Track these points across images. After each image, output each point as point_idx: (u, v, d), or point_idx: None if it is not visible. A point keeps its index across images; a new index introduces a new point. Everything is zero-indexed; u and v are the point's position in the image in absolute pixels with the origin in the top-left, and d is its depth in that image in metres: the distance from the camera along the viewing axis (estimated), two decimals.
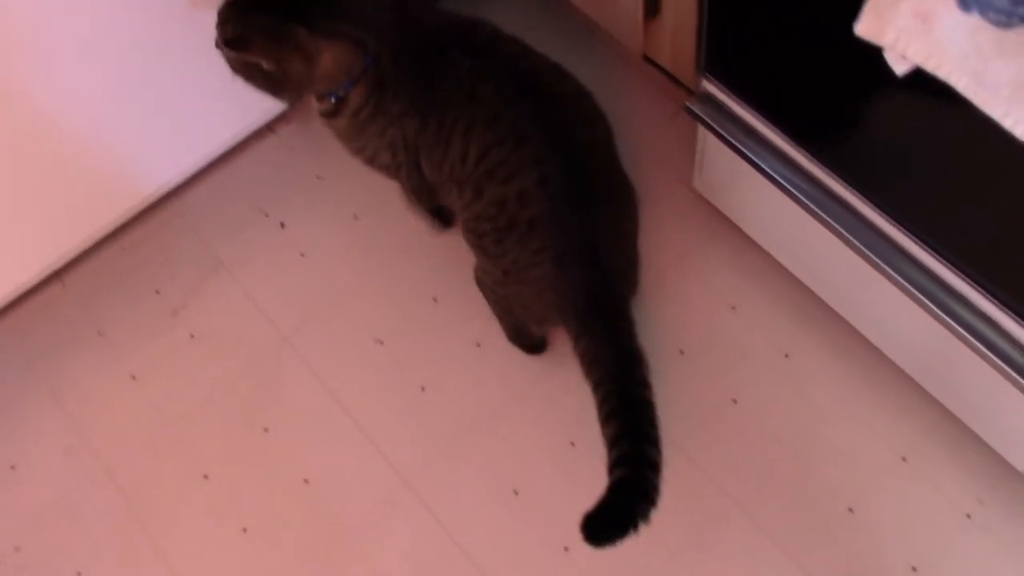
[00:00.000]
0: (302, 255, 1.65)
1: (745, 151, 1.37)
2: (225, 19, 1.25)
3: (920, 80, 0.94)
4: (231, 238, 1.67)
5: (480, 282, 1.47)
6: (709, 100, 1.39)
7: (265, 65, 1.24)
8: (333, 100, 1.32)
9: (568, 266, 1.29)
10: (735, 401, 1.47)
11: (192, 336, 1.60)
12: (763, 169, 1.36)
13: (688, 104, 1.40)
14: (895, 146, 1.16)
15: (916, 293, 1.25)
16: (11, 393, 1.58)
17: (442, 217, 1.61)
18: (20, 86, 1.36)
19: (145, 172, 1.62)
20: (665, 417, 1.45)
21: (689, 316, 1.54)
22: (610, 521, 1.15)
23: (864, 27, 0.92)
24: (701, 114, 1.40)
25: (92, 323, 1.62)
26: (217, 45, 1.24)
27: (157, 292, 1.64)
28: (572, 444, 1.46)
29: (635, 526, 1.14)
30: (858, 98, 1.15)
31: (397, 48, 1.29)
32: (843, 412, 1.45)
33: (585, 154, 1.30)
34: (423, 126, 1.32)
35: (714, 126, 1.39)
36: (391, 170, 1.42)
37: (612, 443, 1.22)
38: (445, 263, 1.58)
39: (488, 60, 1.29)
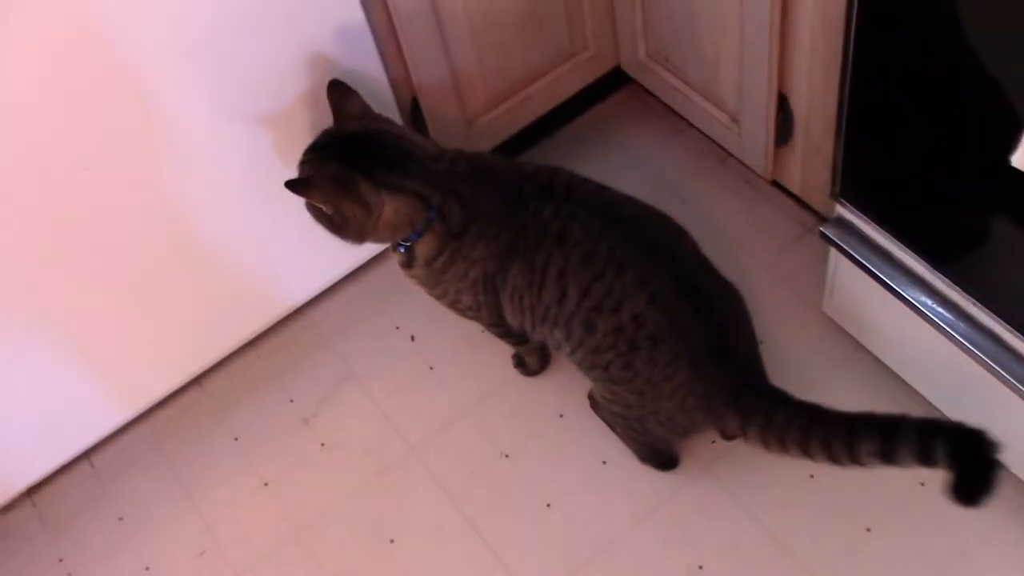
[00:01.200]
0: (431, 368, 1.68)
1: (880, 275, 1.37)
2: (302, 161, 1.36)
3: None
4: (362, 350, 1.72)
5: (603, 408, 1.49)
6: (843, 224, 1.41)
7: (325, 209, 1.33)
8: (402, 251, 1.40)
9: (704, 366, 1.30)
10: (869, 530, 1.44)
11: (323, 445, 1.64)
12: (899, 293, 1.36)
13: (822, 228, 1.42)
14: None
15: None
16: (149, 494, 1.63)
17: (523, 366, 1.65)
18: (178, 206, 1.45)
19: (284, 286, 1.69)
20: (800, 546, 1.43)
21: None
22: (972, 480, 1.17)
23: (1021, 159, 0.93)
24: (835, 238, 1.41)
25: (228, 428, 1.68)
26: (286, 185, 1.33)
27: (291, 401, 1.69)
28: (700, 568, 1.43)
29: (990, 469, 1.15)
30: (1003, 225, 1.14)
31: (472, 200, 1.35)
32: (984, 546, 1.39)
33: (683, 262, 1.34)
34: (502, 270, 1.37)
35: (848, 250, 1.40)
36: (474, 311, 1.46)
37: (884, 449, 1.21)
38: (572, 379, 1.59)
39: (569, 203, 1.34)
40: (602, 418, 1.55)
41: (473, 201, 1.35)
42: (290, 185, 1.30)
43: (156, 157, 1.38)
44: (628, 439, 1.51)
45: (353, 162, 1.32)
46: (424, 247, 1.38)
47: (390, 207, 1.33)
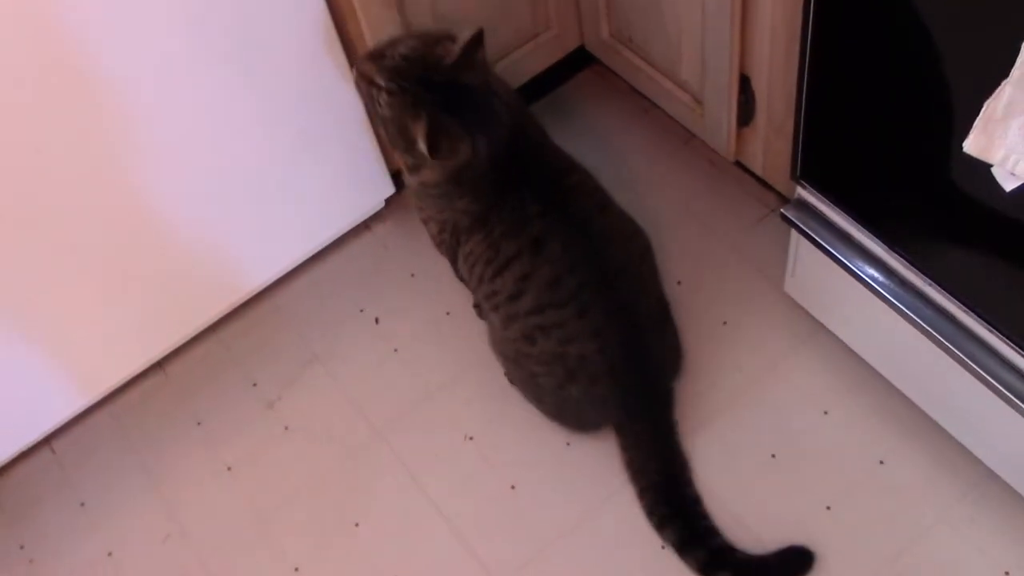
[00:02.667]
0: (395, 350, 1.68)
1: (839, 256, 1.38)
2: (392, 69, 1.30)
3: None
4: (327, 333, 1.71)
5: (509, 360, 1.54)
6: (804, 206, 1.41)
7: (386, 113, 1.32)
8: (411, 162, 1.38)
9: (632, 409, 1.45)
10: (829, 508, 1.45)
11: (287, 428, 1.64)
12: (857, 274, 1.36)
13: (783, 210, 1.42)
14: (996, 256, 1.16)
15: (1017, 401, 1.24)
16: (111, 479, 1.62)
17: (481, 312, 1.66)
18: (136, 187, 1.43)
19: (246, 268, 1.68)
20: (757, 522, 1.44)
21: (781, 421, 1.53)
22: None
23: (973, 144, 0.93)
24: (795, 220, 1.42)
25: (191, 413, 1.67)
26: (367, 79, 1.31)
27: (254, 384, 1.68)
28: (663, 547, 1.45)
29: None
30: (960, 207, 1.15)
31: (494, 159, 1.35)
32: (943, 524, 1.42)
33: (641, 324, 1.41)
34: (468, 232, 1.40)
35: (808, 232, 1.41)
36: (436, 241, 1.50)
37: (680, 548, 1.41)
38: None
39: (558, 212, 1.35)
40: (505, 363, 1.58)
41: (493, 161, 1.35)
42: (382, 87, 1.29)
43: (110, 138, 1.36)
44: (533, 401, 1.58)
45: (434, 91, 1.29)
46: (432, 173, 1.37)
47: (445, 142, 1.31)
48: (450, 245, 1.46)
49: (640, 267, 1.44)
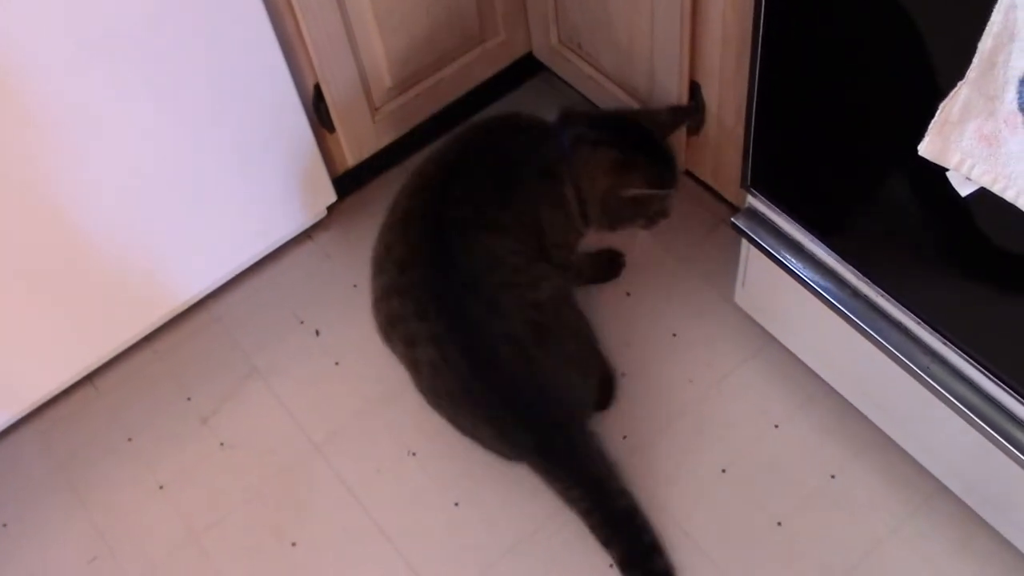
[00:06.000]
0: (336, 364, 1.63)
1: (790, 266, 1.36)
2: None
3: (984, 199, 0.93)
4: (265, 345, 1.65)
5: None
6: (754, 215, 1.39)
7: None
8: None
9: (507, 429, 1.37)
10: (780, 524, 1.43)
11: (222, 444, 1.57)
12: (808, 284, 1.34)
13: (733, 219, 1.40)
14: (950, 266, 1.15)
15: (970, 415, 1.22)
16: (36, 498, 1.54)
17: None
18: (58, 191, 1.36)
19: (182, 278, 1.61)
20: (707, 537, 1.41)
21: (732, 434, 1.50)
22: None
23: (928, 148, 0.91)
24: (746, 229, 1.39)
25: (122, 429, 1.60)
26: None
27: (188, 399, 1.62)
28: (610, 566, 1.41)
29: None
30: (913, 216, 1.13)
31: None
32: (895, 538, 1.39)
33: (495, 348, 1.33)
34: (411, 198, 1.43)
35: (759, 241, 1.38)
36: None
37: (622, 568, 1.37)
38: None
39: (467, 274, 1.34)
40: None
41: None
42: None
43: (29, 143, 1.29)
44: None
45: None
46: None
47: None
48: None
49: (500, 295, 1.36)
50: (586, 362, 1.46)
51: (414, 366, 1.39)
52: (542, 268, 1.40)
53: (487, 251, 1.36)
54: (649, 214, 1.45)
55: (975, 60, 0.83)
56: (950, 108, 0.87)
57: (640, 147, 1.41)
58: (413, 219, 1.38)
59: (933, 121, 0.89)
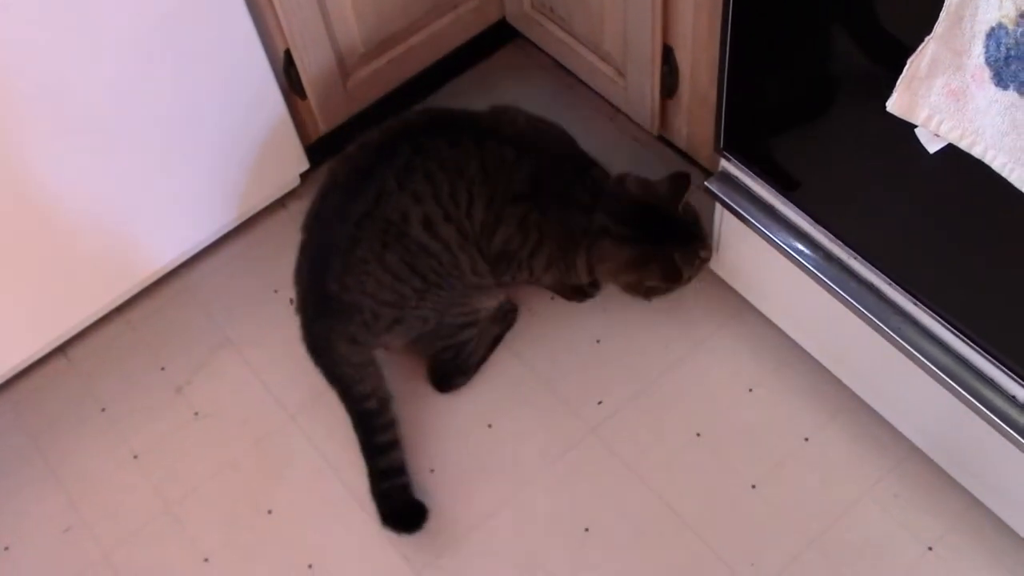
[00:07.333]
0: None
1: (764, 229, 1.36)
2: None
3: (952, 156, 0.92)
4: (239, 315, 1.64)
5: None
6: (728, 179, 1.38)
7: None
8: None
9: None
10: (754, 487, 1.43)
11: (196, 414, 1.56)
12: (782, 247, 1.34)
13: (707, 183, 1.39)
14: (923, 225, 1.15)
15: (941, 375, 1.22)
16: (9, 469, 1.53)
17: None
18: (27, 160, 1.35)
19: (154, 246, 1.60)
20: (682, 501, 1.42)
21: (707, 399, 1.50)
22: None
23: (896, 104, 0.91)
24: (719, 193, 1.39)
25: (95, 399, 1.59)
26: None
27: (162, 369, 1.61)
28: (586, 530, 1.41)
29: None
30: (884, 174, 1.13)
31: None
32: (868, 500, 1.40)
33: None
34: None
35: (733, 205, 1.38)
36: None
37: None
38: None
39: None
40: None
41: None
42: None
43: (4, 111, 1.28)
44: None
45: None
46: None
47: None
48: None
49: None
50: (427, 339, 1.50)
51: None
52: (463, 260, 1.42)
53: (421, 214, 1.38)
54: (673, 290, 1.48)
55: (942, 15, 0.83)
56: (918, 63, 0.87)
57: (663, 240, 1.42)
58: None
59: (901, 77, 0.89)
